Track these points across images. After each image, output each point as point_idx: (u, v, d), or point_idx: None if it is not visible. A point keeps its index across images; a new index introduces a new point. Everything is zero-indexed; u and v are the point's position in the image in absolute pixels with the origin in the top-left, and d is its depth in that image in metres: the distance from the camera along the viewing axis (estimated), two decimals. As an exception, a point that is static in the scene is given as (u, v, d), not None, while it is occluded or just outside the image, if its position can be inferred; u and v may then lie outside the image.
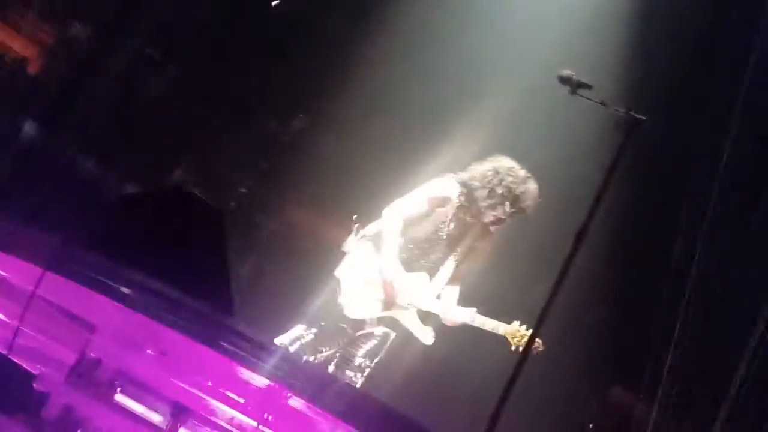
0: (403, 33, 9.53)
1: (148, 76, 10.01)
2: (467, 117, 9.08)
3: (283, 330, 7.21)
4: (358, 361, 7.15)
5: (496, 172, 7.16)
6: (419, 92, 9.49)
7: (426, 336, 7.18)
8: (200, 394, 5.60)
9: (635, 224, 9.32)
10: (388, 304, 7.11)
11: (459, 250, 7.24)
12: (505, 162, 7.22)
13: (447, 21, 9.55)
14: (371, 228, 7.23)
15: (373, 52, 9.63)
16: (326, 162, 9.78)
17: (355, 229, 7.25)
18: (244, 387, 5.53)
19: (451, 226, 7.21)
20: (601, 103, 5.97)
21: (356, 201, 7.88)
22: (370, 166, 9.31)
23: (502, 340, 7.08)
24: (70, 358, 5.79)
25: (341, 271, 7.20)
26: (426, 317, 7.19)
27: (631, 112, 5.84)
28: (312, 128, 10.09)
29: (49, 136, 9.47)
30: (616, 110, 5.91)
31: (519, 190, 7.11)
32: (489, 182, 7.13)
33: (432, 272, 7.23)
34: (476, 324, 7.11)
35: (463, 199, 7.17)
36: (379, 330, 7.17)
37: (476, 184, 7.15)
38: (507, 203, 7.11)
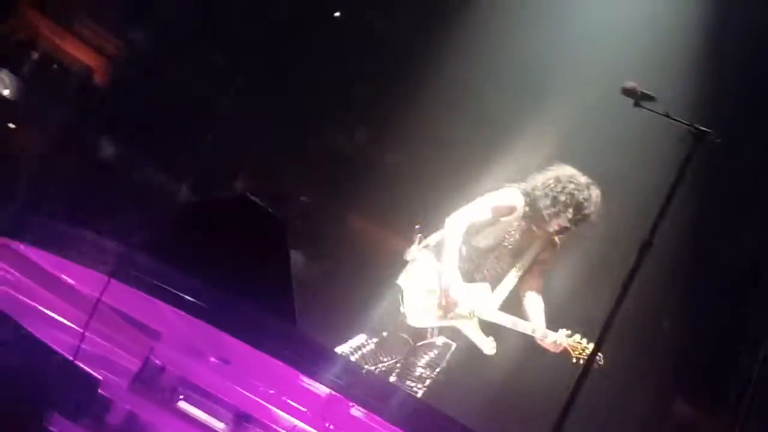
0: (467, 41, 9.53)
1: (213, 85, 10.08)
2: (531, 126, 9.05)
3: (344, 339, 7.23)
4: (419, 371, 7.15)
5: (558, 180, 7.13)
6: (483, 101, 9.49)
7: (487, 346, 7.16)
8: (262, 401, 5.63)
9: (702, 237, 9.24)
10: (447, 312, 7.09)
11: (523, 261, 7.21)
12: (566, 170, 7.19)
13: (512, 28, 9.52)
14: (434, 237, 7.23)
15: (438, 61, 9.63)
16: (389, 172, 9.79)
17: (418, 238, 7.25)
18: (305, 396, 5.54)
19: (516, 236, 7.18)
20: (665, 115, 5.95)
21: (419, 211, 7.88)
22: (433, 177, 9.31)
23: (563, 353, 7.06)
24: (134, 364, 5.85)
25: (403, 280, 7.20)
26: (488, 327, 7.17)
27: (696, 125, 5.81)
28: (375, 139, 10.10)
29: (113, 144, 9.57)
30: (680, 122, 5.89)
31: (582, 196, 7.08)
32: (551, 190, 7.11)
33: (495, 283, 7.21)
34: (536, 335, 7.07)
35: (527, 209, 7.14)
36: (440, 340, 7.16)
37: (539, 192, 7.13)
38: (570, 210, 7.08)
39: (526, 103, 9.23)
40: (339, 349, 7.07)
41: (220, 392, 5.73)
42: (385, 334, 7.17)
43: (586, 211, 7.09)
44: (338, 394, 5.36)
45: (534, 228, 7.18)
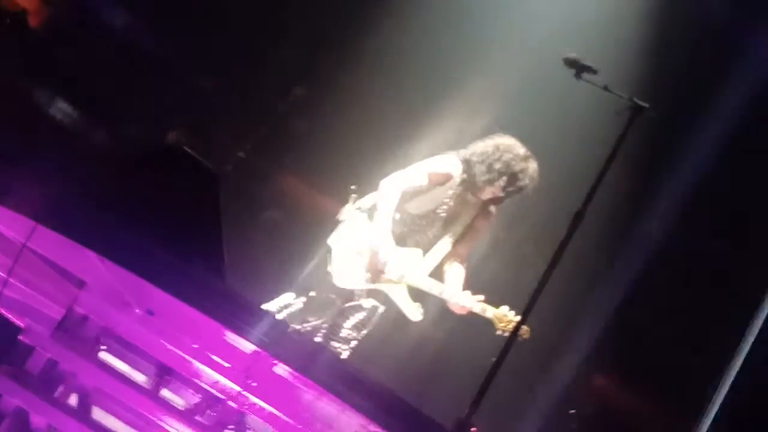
0: (410, 6, 9.49)
1: (147, 38, 9.96)
2: (471, 94, 9.05)
3: (272, 297, 7.19)
4: (345, 332, 7.13)
5: (497, 149, 7.12)
6: (424, 67, 9.45)
7: (414, 312, 7.14)
8: (185, 356, 5.57)
9: (631, 210, 9.32)
10: (376, 275, 7.07)
11: (457, 228, 7.21)
12: (506, 140, 7.18)
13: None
14: (368, 200, 7.19)
15: (379, 23, 9.57)
16: (325, 133, 9.73)
17: (352, 198, 7.21)
18: (230, 352, 5.49)
19: (450, 203, 7.17)
20: (605, 88, 5.97)
21: (354, 173, 7.85)
22: (370, 139, 9.27)
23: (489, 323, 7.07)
24: (58, 312, 5.77)
25: (333, 240, 7.16)
26: (416, 294, 7.16)
27: (635, 99, 5.85)
28: (314, 99, 10.03)
29: (45, 89, 9.43)
30: (619, 96, 5.92)
31: (518, 167, 7.07)
32: (488, 158, 7.10)
33: (426, 249, 7.19)
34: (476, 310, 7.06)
35: (465, 176, 7.13)
36: (368, 302, 7.14)
37: (476, 159, 7.12)
38: (504, 179, 7.07)
39: (467, 71, 9.21)
40: (266, 307, 7.02)
41: (143, 344, 5.67)
42: (312, 293, 7.14)
43: (521, 183, 7.08)
44: (262, 352, 5.32)
45: (469, 196, 7.18)
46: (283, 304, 7.09)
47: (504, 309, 6.97)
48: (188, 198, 5.85)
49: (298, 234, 8.94)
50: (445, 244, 7.18)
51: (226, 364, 5.54)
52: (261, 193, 9.87)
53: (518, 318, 6.20)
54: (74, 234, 5.31)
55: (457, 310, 7.10)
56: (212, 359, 5.56)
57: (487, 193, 7.15)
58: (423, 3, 9.46)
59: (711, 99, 9.13)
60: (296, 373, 5.32)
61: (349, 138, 9.43)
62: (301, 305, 7.12)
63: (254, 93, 9.98)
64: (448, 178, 7.12)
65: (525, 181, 7.09)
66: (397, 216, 7.10)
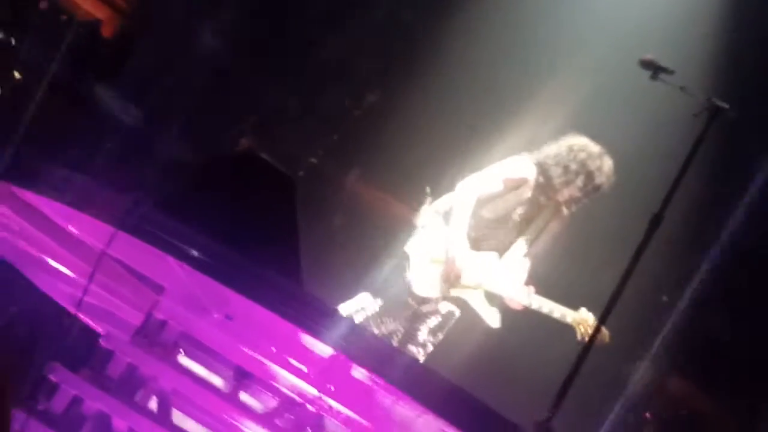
0: (482, 10, 9.46)
1: (219, 43, 10.02)
2: (545, 97, 9.00)
3: (346, 300, 7.20)
4: (421, 337, 7.13)
5: (570, 149, 7.09)
6: (498, 71, 9.42)
7: (492, 318, 7.12)
8: (263, 359, 5.60)
9: (709, 214, 9.21)
10: (452, 281, 7.06)
11: (531, 231, 7.18)
12: (579, 139, 7.14)
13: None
14: (444, 202, 7.19)
15: (451, 31, 9.56)
16: (398, 139, 9.74)
17: (428, 201, 7.21)
18: (307, 356, 5.52)
19: (526, 207, 7.14)
20: (681, 89, 5.92)
21: (426, 178, 7.84)
22: (442, 145, 9.26)
23: (569, 329, 7.02)
24: (137, 318, 5.83)
25: (410, 247, 7.16)
26: (493, 299, 7.14)
27: (713, 99, 5.79)
28: (386, 105, 10.04)
29: (120, 98, 9.52)
30: (696, 97, 5.87)
31: (594, 165, 7.03)
32: (563, 159, 7.06)
33: (501, 253, 7.17)
34: (543, 310, 7.03)
35: (540, 178, 7.10)
36: (445, 307, 7.13)
37: (550, 162, 7.09)
38: (581, 178, 7.03)
39: (541, 75, 9.16)
40: (342, 307, 7.03)
41: (221, 348, 5.71)
42: (389, 297, 7.15)
43: (597, 181, 7.05)
44: (340, 355, 5.33)
45: (544, 198, 7.15)
46: (359, 306, 7.10)
47: (583, 312, 6.93)
48: (264, 203, 5.88)
49: (370, 239, 8.96)
50: (521, 247, 7.16)
51: (304, 368, 5.57)
52: (333, 198, 9.90)
53: (596, 322, 6.16)
54: (153, 240, 5.36)
55: (512, 305, 7.06)
56: (290, 363, 5.59)
57: (564, 195, 7.12)
58: (496, 7, 9.42)
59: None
60: (374, 377, 5.33)
61: (422, 143, 9.43)
62: (377, 308, 7.13)
63: (327, 99, 10.02)
64: (523, 182, 7.10)
65: (602, 179, 7.05)
66: (472, 221, 7.09)
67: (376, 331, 7.04)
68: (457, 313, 7.17)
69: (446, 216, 7.13)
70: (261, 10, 10.01)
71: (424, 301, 7.13)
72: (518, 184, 7.11)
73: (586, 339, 6.67)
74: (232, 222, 5.62)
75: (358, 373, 5.44)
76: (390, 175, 9.69)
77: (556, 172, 7.06)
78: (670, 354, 9.59)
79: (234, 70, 9.99)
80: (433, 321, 7.14)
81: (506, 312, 7.21)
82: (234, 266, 5.30)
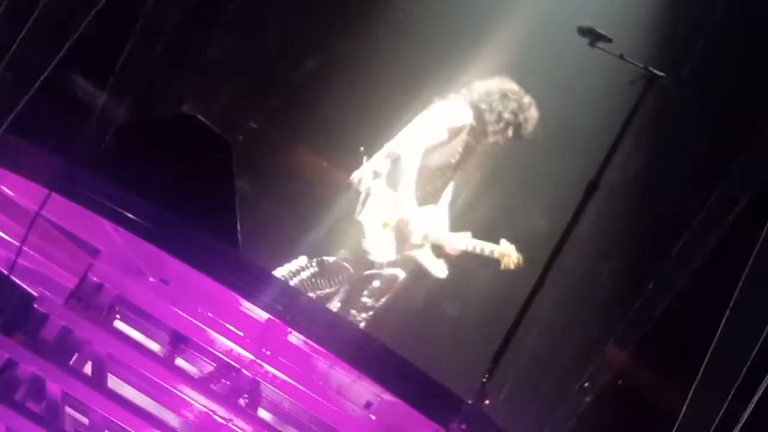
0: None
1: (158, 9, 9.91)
2: (481, 63, 8.97)
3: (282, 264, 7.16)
4: (362, 300, 7.11)
5: (504, 96, 7.10)
6: (435, 38, 9.38)
7: (439, 270, 7.11)
8: (200, 324, 5.58)
9: (645, 182, 9.27)
10: (404, 243, 7.04)
11: (459, 174, 7.17)
12: (511, 86, 7.16)
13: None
14: (382, 162, 7.13)
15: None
16: (339, 104, 9.70)
17: (363, 161, 7.16)
18: (244, 320, 5.51)
19: (461, 151, 7.14)
20: (620, 57, 5.95)
21: (363, 142, 7.81)
22: (380, 108, 9.22)
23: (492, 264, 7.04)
24: (71, 281, 5.77)
25: (362, 215, 7.08)
26: (437, 250, 7.13)
27: (650, 68, 5.82)
28: (324, 69, 9.99)
29: (59, 60, 9.39)
30: (633, 64, 5.90)
31: (523, 116, 7.08)
32: (497, 105, 7.07)
33: (436, 200, 7.16)
34: (476, 250, 7.04)
35: (473, 122, 7.11)
36: (387, 270, 7.12)
37: (484, 106, 7.09)
38: (511, 129, 7.08)
39: (479, 41, 9.13)
40: (278, 271, 7.00)
41: (157, 313, 5.68)
42: (327, 259, 7.12)
43: (523, 131, 7.11)
44: (276, 320, 5.32)
45: (474, 141, 7.14)
46: (295, 269, 7.07)
47: (504, 244, 6.95)
48: (201, 166, 5.83)
49: (309, 203, 8.92)
50: (450, 191, 7.15)
51: (240, 333, 5.55)
52: (272, 163, 9.84)
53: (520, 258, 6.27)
54: (88, 202, 5.31)
55: (451, 252, 7.08)
56: (226, 327, 5.57)
57: (491, 139, 7.13)
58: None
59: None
60: (310, 341, 5.32)
61: (361, 110, 9.39)
62: (313, 271, 7.09)
63: (268, 64, 9.96)
64: (464, 127, 7.09)
65: (528, 130, 7.10)
66: (417, 176, 7.06)
67: (311, 295, 7.01)
68: (401, 277, 7.17)
69: (389, 177, 7.09)
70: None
71: (362, 263, 7.12)
72: (459, 131, 7.10)
73: (511, 268, 6.73)
74: (168, 185, 5.58)
75: (294, 338, 5.44)
76: (328, 141, 9.65)
77: (489, 118, 7.07)
78: (606, 324, 9.66)
79: (176, 32, 9.89)
80: (375, 284, 7.12)
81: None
82: (170, 229, 5.27)
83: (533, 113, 7.10)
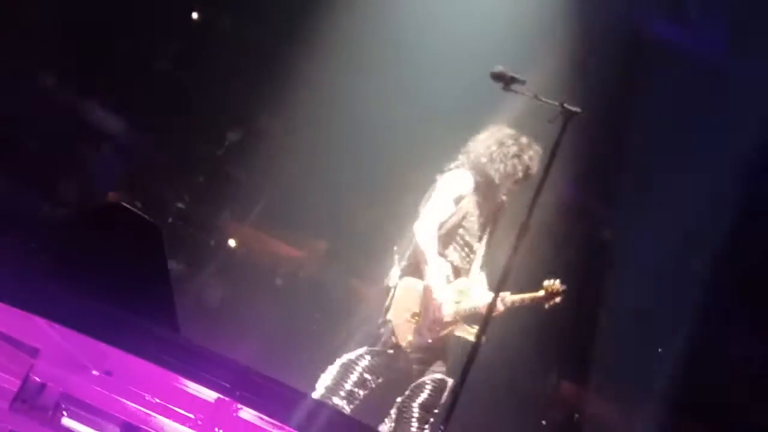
0: (330, 45, 9.49)
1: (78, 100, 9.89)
2: (402, 117, 9.05)
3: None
4: (416, 413, 6.88)
5: (501, 143, 6.99)
6: (357, 100, 9.44)
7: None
8: (148, 411, 5.51)
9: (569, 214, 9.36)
10: (437, 328, 6.88)
11: (487, 233, 7.04)
12: (505, 131, 7.05)
13: (374, 28, 9.52)
14: (402, 256, 6.99)
15: (303, 68, 9.58)
16: (264, 174, 9.72)
17: (396, 260, 7.02)
18: (192, 402, 5.45)
19: (477, 212, 6.99)
20: (535, 97, 6.01)
21: (299, 210, 7.80)
22: (311, 174, 9.27)
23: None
24: (14, 384, 5.69)
25: (391, 313, 6.92)
26: (472, 318, 6.96)
27: (566, 105, 5.89)
28: (247, 141, 10.02)
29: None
30: (549, 103, 5.96)
31: (527, 156, 6.95)
32: (497, 155, 6.94)
33: (468, 269, 7.02)
34: (516, 304, 6.88)
35: (479, 179, 6.98)
36: (437, 376, 6.92)
37: (484, 160, 6.98)
38: (519, 172, 6.95)
39: (400, 98, 9.20)
40: (343, 358, 6.87)
41: (104, 405, 5.60)
42: (377, 349, 6.93)
43: (531, 171, 6.97)
44: (225, 397, 5.27)
45: (484, 199, 6.99)
46: (354, 357, 6.88)
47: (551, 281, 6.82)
48: (133, 253, 5.79)
49: (247, 277, 8.90)
50: (481, 253, 7.02)
51: (191, 415, 5.49)
52: (204, 241, 9.81)
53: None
54: (21, 303, 5.24)
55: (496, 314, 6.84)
56: (176, 411, 5.50)
57: (503, 190, 6.99)
58: (349, 30, 9.45)
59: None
60: (261, 415, 5.28)
61: (285, 177, 9.43)
62: (367, 363, 6.87)
63: (188, 143, 9.96)
64: (468, 190, 6.94)
65: (535, 168, 6.96)
66: (446, 252, 6.95)
67: (359, 390, 6.83)
68: (450, 382, 6.93)
69: (408, 267, 6.96)
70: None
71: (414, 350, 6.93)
72: (465, 195, 6.93)
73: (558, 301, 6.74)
74: (101, 276, 5.53)
75: (246, 413, 5.39)
76: (261, 214, 9.66)
77: (494, 170, 6.93)
78: (561, 360, 9.72)
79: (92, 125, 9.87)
80: (424, 395, 6.90)
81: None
82: (107, 320, 5.20)
83: (535, 149, 6.93)
